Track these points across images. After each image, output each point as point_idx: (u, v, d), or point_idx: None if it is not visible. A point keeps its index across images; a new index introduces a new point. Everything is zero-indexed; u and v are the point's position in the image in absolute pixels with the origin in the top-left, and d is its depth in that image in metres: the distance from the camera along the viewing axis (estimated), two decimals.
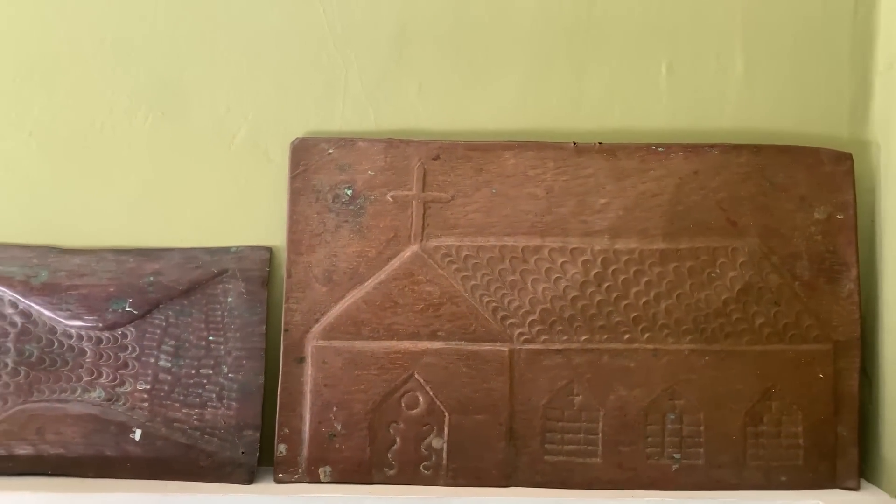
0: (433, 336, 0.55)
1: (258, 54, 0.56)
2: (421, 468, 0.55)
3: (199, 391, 0.55)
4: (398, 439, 0.55)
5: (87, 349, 0.55)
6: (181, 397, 0.55)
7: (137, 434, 0.54)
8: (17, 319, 0.55)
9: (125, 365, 0.55)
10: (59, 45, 0.56)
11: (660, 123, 0.57)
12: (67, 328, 0.55)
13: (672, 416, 0.55)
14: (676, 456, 0.55)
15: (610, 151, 0.56)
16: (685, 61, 0.57)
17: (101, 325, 0.55)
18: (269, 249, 0.57)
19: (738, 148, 0.57)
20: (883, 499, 0.54)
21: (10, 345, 0.55)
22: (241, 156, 0.57)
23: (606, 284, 0.55)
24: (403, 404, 0.55)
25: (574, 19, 0.57)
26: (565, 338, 0.55)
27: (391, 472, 0.54)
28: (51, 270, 0.56)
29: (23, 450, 0.54)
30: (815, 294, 0.56)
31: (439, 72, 0.57)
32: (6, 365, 0.55)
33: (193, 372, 0.55)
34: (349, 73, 0.57)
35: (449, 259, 0.56)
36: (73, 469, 0.54)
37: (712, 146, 0.57)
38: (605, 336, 0.55)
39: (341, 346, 0.55)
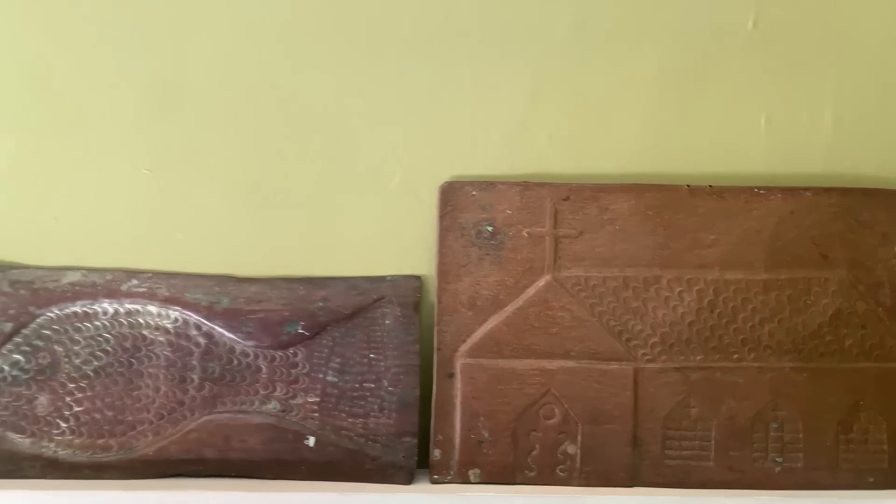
0: (566, 355, 0.63)
1: (414, 111, 0.64)
2: (557, 471, 0.62)
3: (363, 403, 0.63)
4: (537, 445, 0.63)
5: (262, 366, 0.63)
6: (347, 408, 0.63)
7: (311, 441, 0.62)
8: (202, 340, 0.63)
9: (297, 380, 0.63)
10: (238, 90, 0.64)
11: (761, 169, 0.65)
12: (245, 348, 0.63)
13: (775, 426, 0.63)
14: (779, 460, 0.63)
15: (718, 193, 0.64)
16: (781, 115, 0.65)
17: (275, 345, 0.64)
18: (420, 278, 0.64)
19: (828, 191, 0.65)
20: None
21: (195, 363, 0.63)
22: (396, 197, 0.65)
23: (718, 311, 0.63)
24: (541, 415, 0.63)
25: (686, 77, 0.65)
26: (682, 357, 0.63)
27: (531, 474, 0.62)
28: (231, 297, 0.64)
29: (211, 454, 0.62)
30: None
31: (568, 123, 0.65)
32: (193, 380, 0.63)
33: (357, 386, 0.63)
34: (490, 125, 0.65)
35: (578, 287, 0.64)
36: (255, 472, 0.62)
37: (806, 189, 0.65)
38: (717, 356, 0.63)
39: (486, 364, 0.63)
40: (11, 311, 0.62)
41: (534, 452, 0.63)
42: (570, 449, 0.63)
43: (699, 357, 0.63)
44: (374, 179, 0.65)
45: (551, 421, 0.63)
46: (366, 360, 0.63)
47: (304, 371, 0.63)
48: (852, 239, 0.64)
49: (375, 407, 0.63)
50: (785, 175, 0.65)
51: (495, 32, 0.64)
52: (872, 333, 0.64)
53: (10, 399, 0.61)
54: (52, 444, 0.61)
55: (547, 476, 0.62)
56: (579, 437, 0.62)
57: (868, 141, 0.66)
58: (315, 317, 0.63)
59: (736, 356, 0.63)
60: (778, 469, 0.63)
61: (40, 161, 0.64)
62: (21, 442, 0.61)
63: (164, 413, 0.62)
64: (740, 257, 0.64)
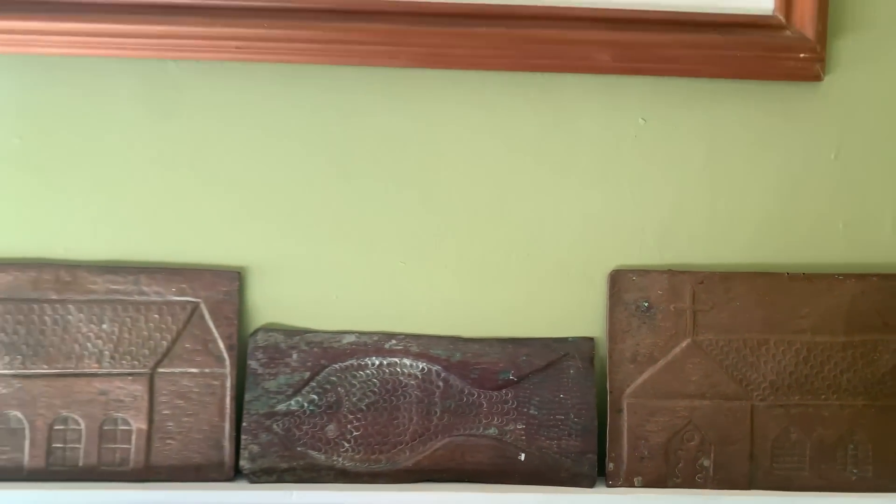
0: (702, 396, 0.87)
1: (592, 219, 0.89)
2: (696, 478, 0.87)
3: (556, 429, 0.87)
4: (682, 460, 0.87)
5: (483, 403, 0.88)
6: (545, 433, 0.87)
7: (522, 456, 0.87)
8: (441, 384, 0.88)
9: (508, 413, 0.88)
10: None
11: (839, 260, 0.90)
12: (471, 389, 0.88)
13: (852, 446, 0.87)
14: (855, 471, 0.87)
15: (809, 279, 0.89)
16: (854, 220, 0.90)
17: (492, 387, 0.88)
18: (594, 340, 0.89)
19: (889, 276, 0.89)
20: None
21: (437, 400, 0.87)
22: (578, 281, 0.90)
23: (810, 364, 0.88)
24: (685, 438, 0.87)
25: (786, 195, 0.90)
26: (785, 398, 0.88)
27: (678, 480, 0.87)
28: (461, 353, 0.88)
29: (451, 466, 0.87)
30: None
31: (701, 226, 0.90)
32: (436, 412, 0.87)
33: (552, 417, 0.88)
34: (645, 232, 0.90)
35: (710, 347, 0.88)
36: (482, 479, 0.87)
37: (873, 275, 0.89)
38: (810, 396, 0.88)
39: (645, 402, 0.88)
40: (308, 364, 0.87)
41: (679, 465, 0.87)
42: (706, 462, 0.87)
43: (797, 397, 0.88)
44: (561, 268, 0.89)
45: (692, 443, 0.87)
46: (557, 399, 0.88)
47: (514, 406, 0.88)
48: None
49: (566, 433, 0.87)
50: (857, 264, 0.90)
51: (648, 157, 0.89)
52: None
53: (309, 426, 0.87)
54: (339, 459, 0.86)
55: (689, 482, 0.87)
56: (712, 454, 0.87)
57: None
58: (520, 367, 0.88)
59: (823, 397, 0.88)
60: (854, 478, 0.87)
61: (326, 259, 0.88)
62: (318, 457, 0.86)
63: (417, 436, 0.87)
64: (826, 325, 0.88)
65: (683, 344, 0.88)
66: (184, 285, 0.86)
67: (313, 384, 0.87)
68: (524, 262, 0.90)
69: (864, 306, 0.89)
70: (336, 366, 0.87)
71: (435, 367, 0.88)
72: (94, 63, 0.86)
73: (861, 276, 0.89)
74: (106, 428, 0.84)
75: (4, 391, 0.84)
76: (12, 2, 0.83)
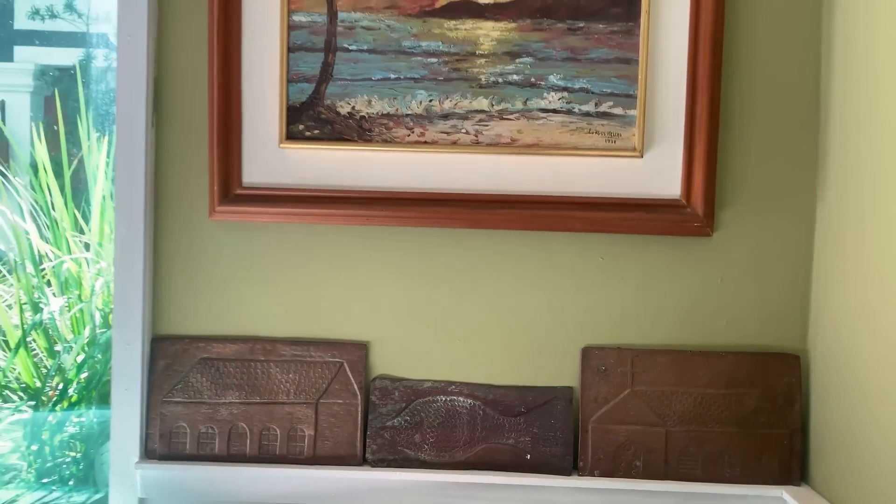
0: (636, 423, 1.45)
1: (571, 323, 1.48)
2: (632, 472, 1.43)
3: (549, 441, 1.46)
4: (623, 461, 1.44)
5: (505, 424, 1.47)
6: (542, 443, 1.46)
7: (528, 456, 1.45)
8: (480, 413, 1.48)
9: (520, 431, 1.47)
10: None
11: (723, 342, 1.46)
12: (499, 416, 1.47)
13: (727, 457, 1.43)
14: (728, 471, 1.43)
15: (704, 354, 1.46)
16: (732, 319, 1.46)
17: (511, 416, 1.47)
18: (572, 388, 1.47)
19: (754, 353, 1.45)
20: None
21: (478, 422, 1.47)
22: (562, 353, 1.49)
23: (703, 406, 1.44)
24: (625, 448, 1.44)
25: (684, 305, 1.47)
26: (686, 426, 1.44)
27: (621, 474, 1.44)
28: (493, 394, 1.49)
29: (486, 461, 1.46)
30: None
31: (638, 325, 1.47)
32: (478, 429, 1.47)
33: (546, 434, 1.46)
34: (603, 325, 1.48)
35: (642, 394, 1.45)
36: (505, 469, 1.46)
37: (744, 353, 1.45)
38: (702, 426, 1.44)
39: (603, 426, 1.45)
40: (404, 398, 1.50)
41: (622, 464, 1.45)
42: (638, 463, 1.44)
43: (694, 426, 1.45)
44: (554, 346, 1.49)
45: (630, 451, 1.44)
46: (549, 423, 1.47)
47: (524, 427, 1.47)
48: None
49: (554, 443, 1.47)
50: (734, 345, 1.46)
51: (606, 280, 1.48)
52: None
53: (404, 435, 1.48)
54: (421, 454, 1.49)
55: (627, 475, 1.45)
56: (641, 458, 1.45)
57: None
58: (528, 404, 1.48)
59: (710, 426, 1.45)
60: (727, 474, 1.43)
61: (415, 338, 1.52)
62: (410, 453, 1.48)
63: (467, 443, 1.48)
64: (713, 382, 1.46)
65: (625, 392, 1.47)
66: (335, 352, 1.50)
67: (407, 411, 1.49)
68: (533, 343, 1.51)
69: (738, 372, 1.45)
70: (420, 400, 1.49)
71: (477, 402, 1.48)
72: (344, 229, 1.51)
73: (735, 353, 1.46)
74: (291, 434, 1.48)
75: (236, 412, 1.48)
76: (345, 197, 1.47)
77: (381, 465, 1.48)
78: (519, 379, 1.50)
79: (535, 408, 1.48)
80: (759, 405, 1.44)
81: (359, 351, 1.51)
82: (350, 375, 1.51)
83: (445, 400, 1.49)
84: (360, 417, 1.49)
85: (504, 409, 1.48)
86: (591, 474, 1.46)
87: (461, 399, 1.50)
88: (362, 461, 1.49)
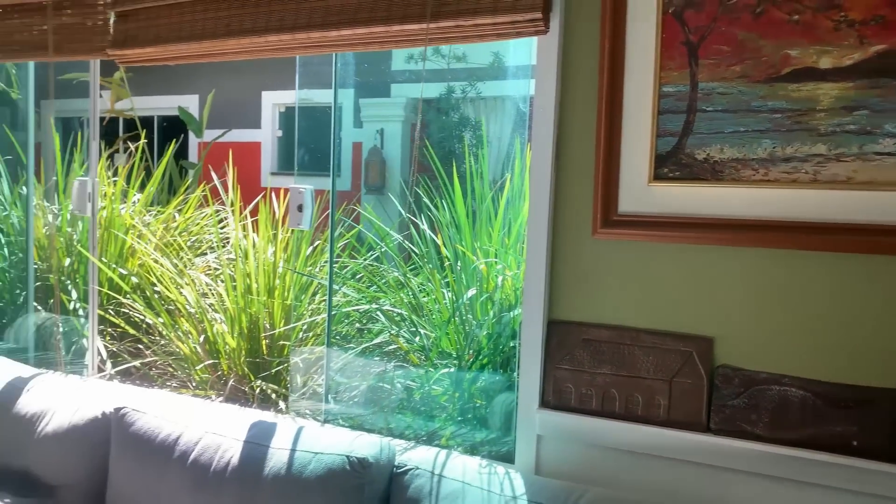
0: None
1: None
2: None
3: None
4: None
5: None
6: None
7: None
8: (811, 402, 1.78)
9: None
10: None
11: None
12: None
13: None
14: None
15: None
16: None
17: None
18: None
19: None
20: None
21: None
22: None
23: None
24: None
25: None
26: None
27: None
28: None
29: None
30: None
31: None
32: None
33: None
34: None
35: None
36: None
37: None
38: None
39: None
40: (742, 384, 1.86)
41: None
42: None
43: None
44: (877, 350, 1.72)
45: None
46: None
47: None
48: None
49: None
50: None
51: None
52: None
53: (741, 412, 1.85)
54: (757, 430, 1.83)
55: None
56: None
57: None
58: None
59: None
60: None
61: (750, 333, 1.87)
62: (746, 427, 1.84)
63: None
64: None
65: None
66: (686, 342, 1.93)
67: (745, 395, 1.85)
68: (861, 345, 1.76)
69: None
70: (756, 387, 1.84)
71: (808, 394, 1.79)
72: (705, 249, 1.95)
73: None
74: (648, 401, 1.95)
75: (608, 381, 2.00)
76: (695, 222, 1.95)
77: (721, 433, 1.88)
78: (846, 378, 1.77)
79: (863, 403, 1.74)
80: None
81: (706, 343, 1.90)
82: (698, 362, 1.90)
83: (779, 389, 1.81)
84: (705, 395, 1.89)
85: (832, 402, 1.76)
86: None
87: (793, 390, 1.81)
88: (706, 429, 1.91)
